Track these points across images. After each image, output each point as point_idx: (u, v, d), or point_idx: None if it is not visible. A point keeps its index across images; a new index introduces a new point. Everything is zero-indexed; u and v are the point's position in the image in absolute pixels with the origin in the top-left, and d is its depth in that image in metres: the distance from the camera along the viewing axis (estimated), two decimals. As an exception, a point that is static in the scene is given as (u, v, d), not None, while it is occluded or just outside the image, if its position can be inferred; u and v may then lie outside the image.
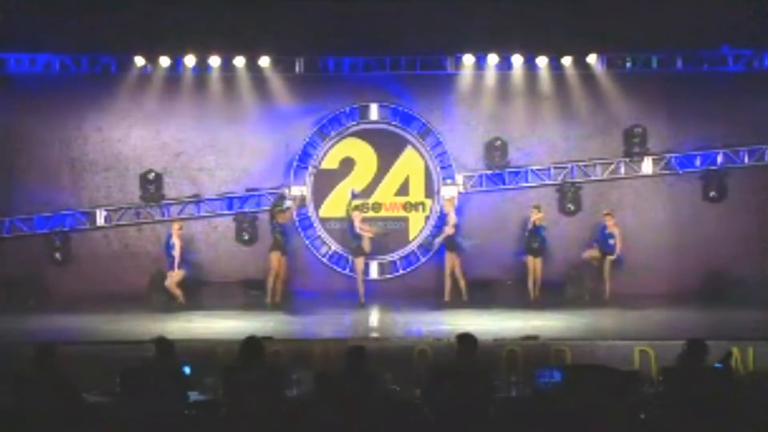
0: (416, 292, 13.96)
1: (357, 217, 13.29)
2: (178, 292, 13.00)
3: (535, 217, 13.17)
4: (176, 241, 13.11)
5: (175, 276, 13.02)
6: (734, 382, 6.98)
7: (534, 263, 13.12)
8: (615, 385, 6.62)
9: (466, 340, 6.95)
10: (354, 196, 13.97)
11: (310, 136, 14.50)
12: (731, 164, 14.48)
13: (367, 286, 13.37)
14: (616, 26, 13.06)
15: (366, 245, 13.15)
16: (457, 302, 13.03)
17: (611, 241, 13.33)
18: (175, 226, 13.34)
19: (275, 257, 12.91)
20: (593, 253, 13.53)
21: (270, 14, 12.42)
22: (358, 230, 13.14)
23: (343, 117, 14.55)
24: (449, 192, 14.24)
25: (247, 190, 14.51)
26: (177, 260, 13.05)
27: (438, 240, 13.76)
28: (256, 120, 14.50)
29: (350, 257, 13.97)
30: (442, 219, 13.72)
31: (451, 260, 13.22)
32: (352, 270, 13.97)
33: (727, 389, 6.55)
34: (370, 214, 14.13)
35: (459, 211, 14.18)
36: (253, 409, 6.45)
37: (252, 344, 6.81)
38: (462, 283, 13.21)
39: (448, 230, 13.35)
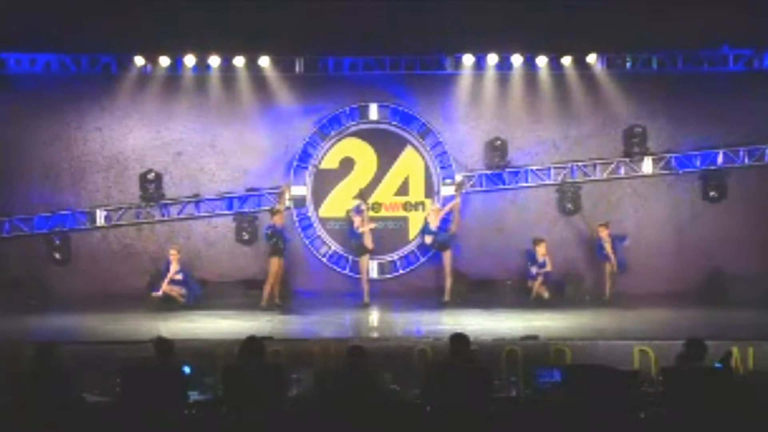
0: (416, 292, 13.97)
1: (357, 219, 13.27)
2: (174, 294, 13.00)
3: (541, 253, 13.13)
4: (173, 266, 13.12)
5: (169, 288, 13.02)
6: (734, 382, 6.98)
7: (538, 282, 13.11)
8: (615, 385, 6.62)
9: (459, 340, 6.97)
10: (359, 211, 13.56)
11: (310, 136, 14.50)
12: (731, 164, 14.47)
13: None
14: (616, 26, 13.06)
15: (368, 242, 13.13)
16: (457, 302, 13.02)
17: (603, 251, 13.28)
18: (173, 251, 13.27)
19: (276, 262, 12.81)
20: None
21: (270, 14, 12.41)
22: (357, 229, 13.13)
23: (343, 117, 14.55)
24: (435, 202, 14.23)
25: (247, 190, 14.51)
26: (167, 278, 13.02)
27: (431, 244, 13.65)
28: (256, 120, 14.50)
29: (352, 257, 13.98)
30: (425, 229, 13.62)
31: (448, 259, 13.20)
32: (353, 270, 13.97)
33: (727, 389, 6.55)
34: (370, 213, 14.09)
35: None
36: (253, 409, 6.45)
37: (252, 344, 6.82)
38: (448, 282, 13.15)
39: (426, 239, 13.38)
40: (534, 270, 13.11)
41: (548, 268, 13.15)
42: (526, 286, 13.25)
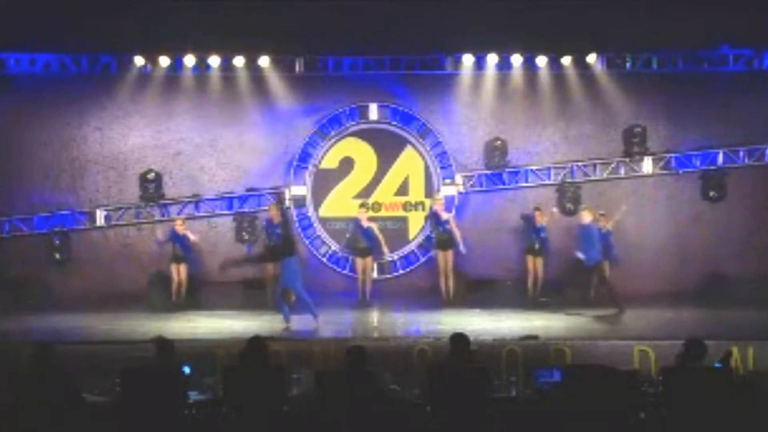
0: (416, 292, 13.97)
1: (363, 216, 13.30)
2: (188, 233, 13.17)
3: (540, 218, 13.12)
4: (188, 234, 13.18)
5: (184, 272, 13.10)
6: (734, 382, 6.98)
7: (534, 263, 13.11)
8: (615, 385, 6.62)
9: (459, 340, 6.97)
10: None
11: (310, 136, 14.50)
12: (731, 164, 14.47)
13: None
14: (616, 26, 13.06)
15: (381, 239, 13.18)
16: (457, 302, 13.01)
17: (614, 251, 13.17)
18: (178, 222, 13.31)
19: (271, 263, 12.80)
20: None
21: (270, 14, 12.42)
22: (366, 226, 13.13)
23: (343, 117, 14.55)
24: (441, 193, 14.17)
25: (247, 190, 14.51)
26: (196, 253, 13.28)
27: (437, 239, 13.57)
28: (256, 120, 14.51)
29: (352, 257, 13.92)
30: (438, 221, 13.56)
31: (444, 259, 13.16)
32: (353, 270, 13.92)
33: (727, 389, 6.55)
34: (370, 213, 14.08)
35: (458, 210, 14.17)
36: (254, 409, 6.45)
37: (255, 344, 6.83)
38: (450, 283, 13.13)
39: (454, 227, 13.14)
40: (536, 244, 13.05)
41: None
42: (526, 286, 13.22)
